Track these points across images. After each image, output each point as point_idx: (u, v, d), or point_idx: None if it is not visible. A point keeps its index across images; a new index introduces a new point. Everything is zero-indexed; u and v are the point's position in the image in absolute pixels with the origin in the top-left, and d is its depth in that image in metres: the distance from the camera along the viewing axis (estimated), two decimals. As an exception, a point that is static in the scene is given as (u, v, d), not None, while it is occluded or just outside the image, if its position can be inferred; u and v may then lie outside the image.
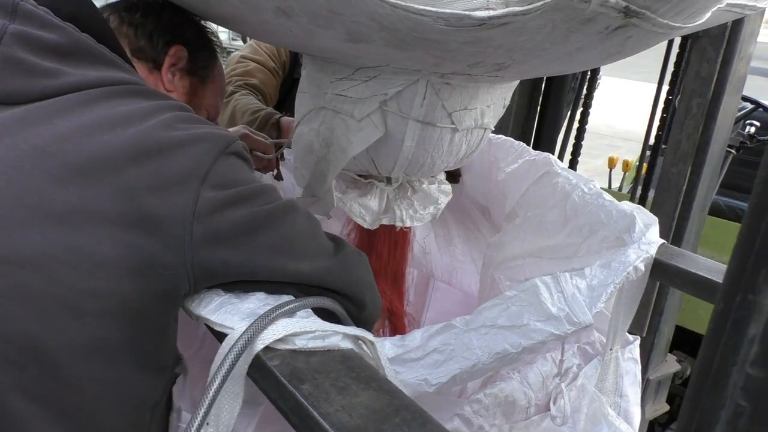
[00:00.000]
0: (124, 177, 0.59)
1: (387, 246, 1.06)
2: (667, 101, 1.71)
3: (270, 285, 0.68)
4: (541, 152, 1.10)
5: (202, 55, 0.87)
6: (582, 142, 1.87)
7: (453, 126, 0.88)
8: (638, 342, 1.03)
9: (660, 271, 0.92)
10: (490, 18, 0.50)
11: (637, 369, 1.03)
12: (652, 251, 0.86)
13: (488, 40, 0.59)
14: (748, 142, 2.22)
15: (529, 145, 1.17)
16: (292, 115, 1.32)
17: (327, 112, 0.90)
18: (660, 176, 1.49)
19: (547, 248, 0.98)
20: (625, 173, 3.06)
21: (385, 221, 0.93)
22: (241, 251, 0.65)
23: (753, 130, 2.27)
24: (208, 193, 0.63)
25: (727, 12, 0.79)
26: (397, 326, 1.14)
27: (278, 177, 1.15)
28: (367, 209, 0.94)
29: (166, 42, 0.82)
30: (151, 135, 0.62)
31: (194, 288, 0.64)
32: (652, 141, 1.82)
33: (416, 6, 0.51)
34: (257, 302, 0.66)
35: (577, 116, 1.88)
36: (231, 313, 0.63)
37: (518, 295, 0.75)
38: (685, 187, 1.45)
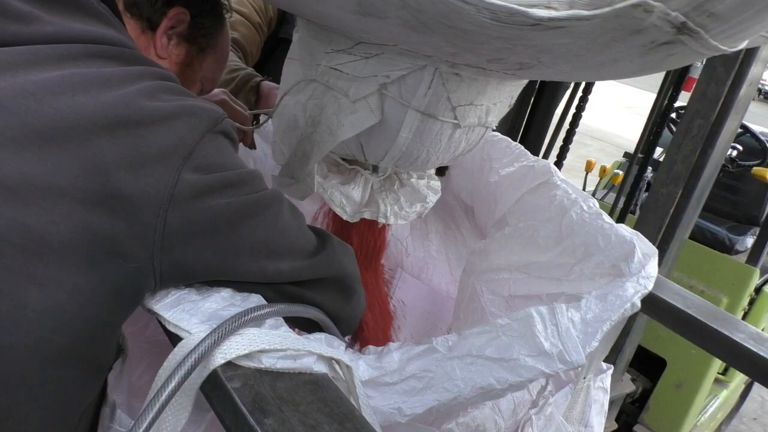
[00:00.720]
0: (92, 147, 0.49)
1: (363, 239, 0.97)
2: (662, 114, 1.66)
3: (240, 284, 0.59)
4: (539, 159, 1.02)
5: (206, 21, 0.75)
6: (569, 146, 1.80)
7: (455, 121, 0.79)
8: (611, 371, 0.98)
9: (650, 305, 0.86)
10: (551, 19, 0.41)
11: (606, 398, 0.99)
12: (650, 286, 0.80)
13: (526, 39, 0.49)
14: (729, 165, 2.21)
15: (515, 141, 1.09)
16: (274, 80, 1.20)
17: (318, 86, 0.80)
18: (648, 195, 1.44)
19: (536, 264, 0.91)
20: (600, 179, 3.04)
21: (367, 215, 0.84)
22: (219, 247, 0.56)
23: (735, 153, 2.26)
24: (190, 176, 0.53)
25: (762, 38, 0.72)
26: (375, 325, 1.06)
27: (251, 145, 1.03)
28: (348, 199, 0.85)
29: (168, 1, 0.69)
30: (131, 103, 0.51)
31: (159, 286, 0.54)
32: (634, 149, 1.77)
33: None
34: (221, 302, 0.56)
35: (568, 118, 1.81)
36: (189, 313, 0.54)
37: (510, 324, 0.67)
38: (672, 210, 1.40)
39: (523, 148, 1.07)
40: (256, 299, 0.58)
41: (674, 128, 2.29)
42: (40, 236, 0.47)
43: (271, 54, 1.42)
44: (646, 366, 1.92)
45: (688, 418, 1.85)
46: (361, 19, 0.59)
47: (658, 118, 1.64)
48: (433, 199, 0.91)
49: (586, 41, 0.54)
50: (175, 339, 0.52)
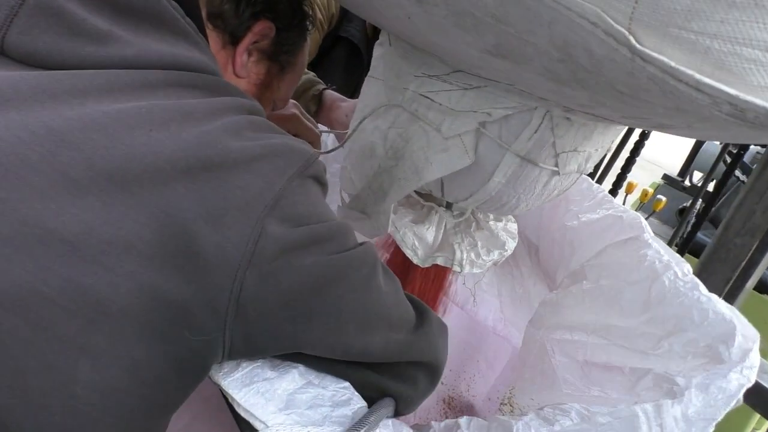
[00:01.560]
0: (168, 193, 0.41)
1: (427, 283, 0.88)
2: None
3: (315, 358, 0.51)
4: (627, 209, 0.92)
5: (291, 36, 0.66)
6: (627, 175, 1.69)
7: (555, 168, 0.70)
8: None
9: (754, 396, 0.76)
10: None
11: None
12: (753, 379, 0.71)
13: (717, 122, 0.40)
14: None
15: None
16: (334, 86, 1.10)
17: (403, 113, 0.70)
18: (717, 244, 1.33)
19: (617, 329, 0.82)
20: (641, 203, 2.92)
21: (440, 261, 0.75)
22: (302, 317, 0.47)
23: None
24: (275, 228, 0.44)
25: None
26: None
27: None
28: (421, 241, 0.75)
29: (255, 13, 0.60)
30: (215, 142, 0.43)
31: (226, 358, 0.46)
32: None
33: (689, 72, 0.31)
34: (299, 381, 0.48)
35: (629, 144, 1.70)
36: (264, 397, 0.45)
37: (612, 423, 0.58)
38: (744, 263, 1.30)
39: (606, 192, 0.96)
40: (347, 396, 0.49)
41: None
42: (96, 300, 0.39)
43: (327, 53, 1.33)
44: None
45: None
46: (489, 58, 0.50)
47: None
48: (512, 246, 0.82)
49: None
50: (244, 426, 0.44)
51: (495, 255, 0.79)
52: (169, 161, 0.41)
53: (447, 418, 1.36)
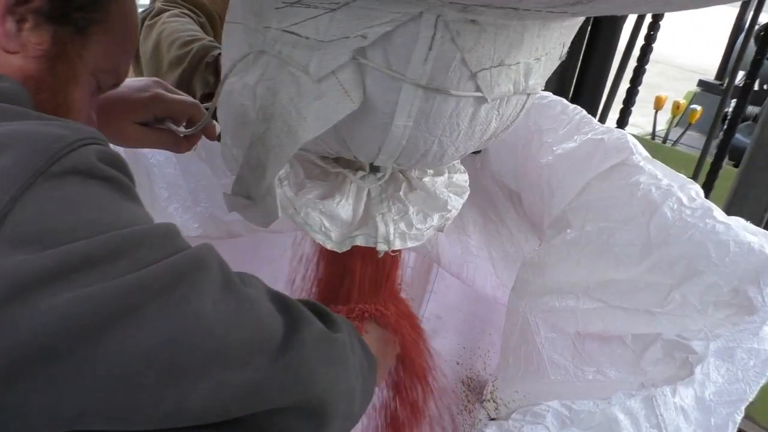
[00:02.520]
0: None
1: (368, 266, 0.72)
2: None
3: None
4: (612, 128, 0.72)
5: None
6: (632, 108, 1.43)
7: (478, 94, 0.51)
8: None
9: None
10: None
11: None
12: (800, 328, 0.52)
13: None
14: None
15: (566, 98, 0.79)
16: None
17: (270, 61, 0.53)
18: (755, 147, 1.10)
19: (613, 287, 0.63)
20: (673, 117, 2.62)
21: (360, 241, 0.58)
22: (73, 376, 0.32)
23: None
24: (4, 260, 0.31)
25: None
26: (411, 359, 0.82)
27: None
28: (333, 219, 0.59)
29: None
30: None
31: None
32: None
33: None
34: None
35: (629, 70, 1.42)
36: None
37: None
38: (788, 166, 1.07)
39: (585, 113, 0.77)
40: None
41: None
42: None
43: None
44: None
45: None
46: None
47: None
48: (457, 203, 0.64)
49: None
50: None
51: (435, 220, 0.61)
52: None
53: (468, 401, 1.21)
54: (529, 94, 0.58)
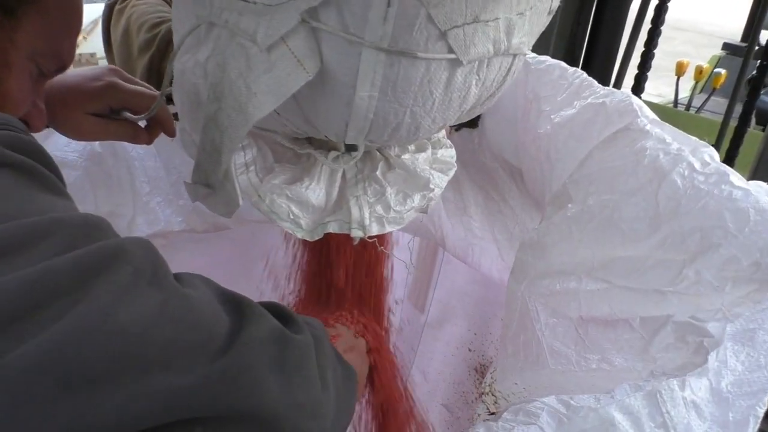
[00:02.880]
0: None
1: (353, 258, 0.66)
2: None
3: None
4: (615, 90, 0.66)
5: None
6: (647, 73, 1.34)
7: (451, 56, 0.45)
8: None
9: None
10: None
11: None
12: (835, 304, 0.45)
13: None
14: None
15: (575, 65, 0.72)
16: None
17: (222, 33, 0.48)
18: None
19: (619, 265, 0.57)
20: (696, 82, 2.50)
21: (333, 228, 0.53)
22: None
23: None
24: None
25: None
26: (379, 369, 0.76)
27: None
28: (303, 205, 0.53)
29: None
30: None
31: None
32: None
33: None
34: None
35: (642, 34, 1.33)
36: None
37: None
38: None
39: (585, 76, 0.70)
40: None
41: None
42: None
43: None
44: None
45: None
46: None
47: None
48: (441, 182, 0.58)
49: None
50: None
51: (416, 200, 0.56)
52: None
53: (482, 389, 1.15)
54: (515, 55, 0.52)
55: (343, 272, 0.67)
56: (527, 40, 0.52)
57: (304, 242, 0.73)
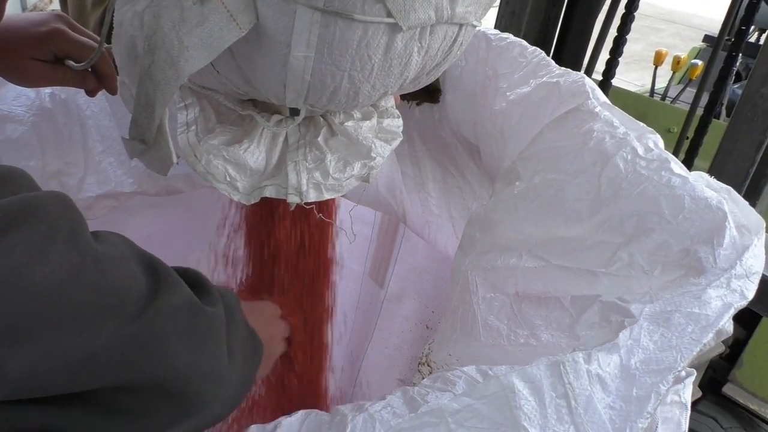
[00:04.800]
0: None
1: (293, 229, 0.66)
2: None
3: None
4: (570, 71, 0.65)
5: None
6: (619, 59, 1.33)
7: (390, 20, 0.44)
8: (692, 379, 0.65)
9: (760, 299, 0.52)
10: None
11: (684, 414, 0.66)
12: (751, 293, 0.46)
13: None
14: None
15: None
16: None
17: (158, -17, 0.47)
18: (743, 97, 1.02)
19: (560, 245, 0.57)
20: (674, 72, 2.51)
21: (270, 192, 0.52)
22: None
23: None
24: None
25: None
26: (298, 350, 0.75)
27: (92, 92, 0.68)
28: (240, 168, 0.53)
29: None
30: None
31: None
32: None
33: None
34: None
35: (616, 19, 1.32)
36: None
37: (473, 406, 0.36)
38: (779, 120, 0.99)
39: (544, 55, 0.69)
40: None
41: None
42: None
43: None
44: (739, 311, 1.54)
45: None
46: None
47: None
48: (383, 151, 0.57)
49: None
50: None
51: (356, 169, 0.55)
52: None
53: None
54: (461, 25, 0.51)
55: (283, 242, 0.67)
56: (473, 9, 0.51)
57: (248, 208, 0.72)
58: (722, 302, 0.44)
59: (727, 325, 0.43)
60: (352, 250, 1.13)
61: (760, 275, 0.47)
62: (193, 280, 0.43)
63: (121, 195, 0.83)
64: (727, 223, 0.49)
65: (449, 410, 0.36)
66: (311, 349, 0.79)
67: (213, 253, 0.91)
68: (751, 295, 0.45)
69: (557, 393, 0.36)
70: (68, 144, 0.82)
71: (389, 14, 0.44)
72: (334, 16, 0.43)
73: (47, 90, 0.80)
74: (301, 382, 0.80)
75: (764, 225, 0.50)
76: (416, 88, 0.56)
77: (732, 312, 0.44)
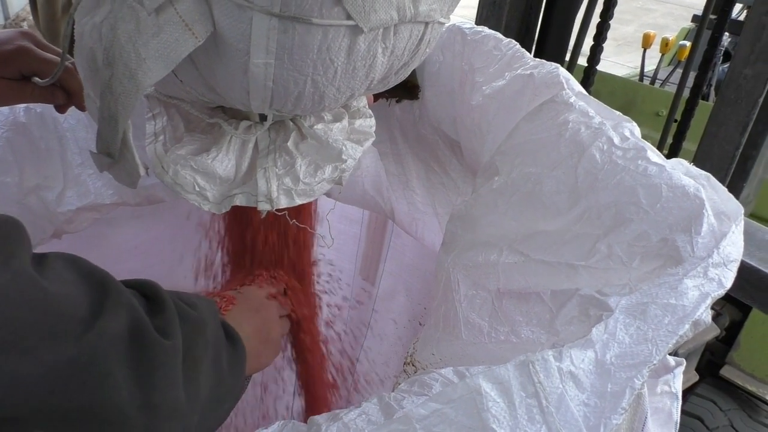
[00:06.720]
0: None
1: (269, 234, 0.65)
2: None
3: None
4: (544, 62, 0.64)
5: None
6: (603, 44, 1.32)
7: (350, 22, 0.44)
8: (682, 368, 0.64)
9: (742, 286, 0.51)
10: None
11: (675, 404, 0.66)
12: (729, 282, 0.45)
13: None
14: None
15: (530, 50, 0.71)
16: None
17: (116, -6, 0.46)
18: (727, 78, 1.01)
19: (539, 239, 0.57)
20: (662, 55, 2.50)
21: (240, 201, 0.52)
22: None
23: None
24: None
25: None
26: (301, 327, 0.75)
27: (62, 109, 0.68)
28: (209, 177, 0.52)
29: None
30: None
31: None
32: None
33: None
34: None
35: (598, 6, 1.31)
36: None
37: (441, 410, 0.35)
38: (762, 99, 0.98)
39: (518, 47, 0.69)
40: None
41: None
42: None
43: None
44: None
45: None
46: None
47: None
48: (354, 152, 0.56)
49: None
50: None
51: (327, 172, 0.54)
52: None
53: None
54: (426, 23, 0.51)
55: (262, 247, 0.66)
56: (438, 6, 0.50)
57: (226, 217, 0.71)
58: (699, 292, 0.43)
59: (705, 316, 0.43)
60: (342, 249, 1.12)
61: (738, 262, 0.46)
62: (151, 295, 0.42)
63: (102, 207, 0.82)
64: (704, 211, 0.48)
65: (416, 416, 0.35)
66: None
67: (197, 260, 0.90)
68: (729, 283, 0.45)
69: (527, 393, 0.36)
70: (46, 158, 0.81)
71: (349, 17, 0.44)
72: (292, 21, 0.42)
73: (22, 105, 0.79)
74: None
75: (743, 211, 0.50)
76: (386, 88, 0.55)
77: (709, 302, 0.43)
